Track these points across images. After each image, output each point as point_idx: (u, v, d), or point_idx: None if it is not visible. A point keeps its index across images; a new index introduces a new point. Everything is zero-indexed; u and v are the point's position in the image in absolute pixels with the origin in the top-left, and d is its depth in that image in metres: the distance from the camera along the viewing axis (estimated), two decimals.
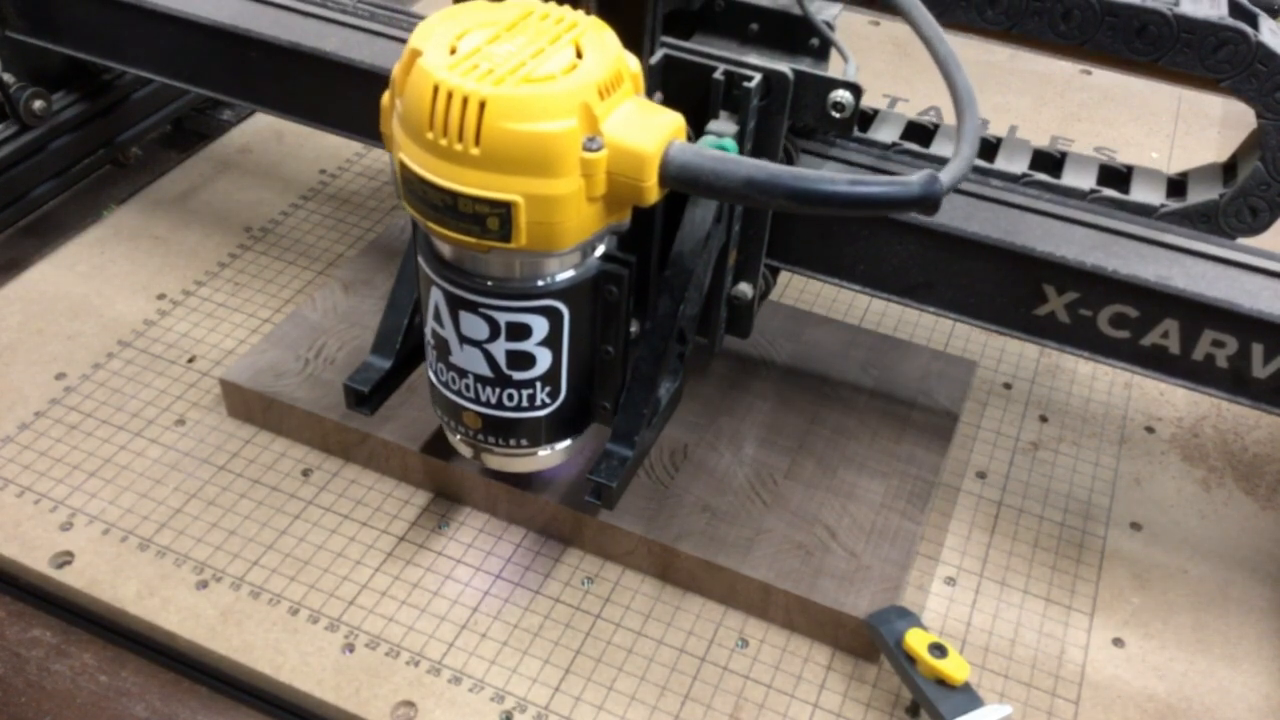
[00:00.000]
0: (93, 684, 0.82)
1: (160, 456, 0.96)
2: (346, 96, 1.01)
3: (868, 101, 1.00)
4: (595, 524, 0.88)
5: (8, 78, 1.15)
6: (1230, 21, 0.81)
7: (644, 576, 0.89)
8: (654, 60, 0.79)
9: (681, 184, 0.67)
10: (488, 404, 0.78)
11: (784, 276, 1.18)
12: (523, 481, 0.90)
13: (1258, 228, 0.88)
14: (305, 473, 0.95)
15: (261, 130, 1.36)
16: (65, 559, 0.87)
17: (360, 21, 1.02)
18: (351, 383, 0.86)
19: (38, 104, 1.17)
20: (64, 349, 1.05)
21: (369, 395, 0.86)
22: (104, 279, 1.13)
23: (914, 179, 0.64)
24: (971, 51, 1.59)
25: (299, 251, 1.18)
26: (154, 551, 0.88)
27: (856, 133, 0.95)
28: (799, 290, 1.17)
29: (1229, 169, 0.91)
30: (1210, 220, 0.88)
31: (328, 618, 0.84)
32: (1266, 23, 0.83)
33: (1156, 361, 0.85)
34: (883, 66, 1.55)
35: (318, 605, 0.85)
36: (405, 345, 0.87)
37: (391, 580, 0.87)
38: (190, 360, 1.05)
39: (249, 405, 0.98)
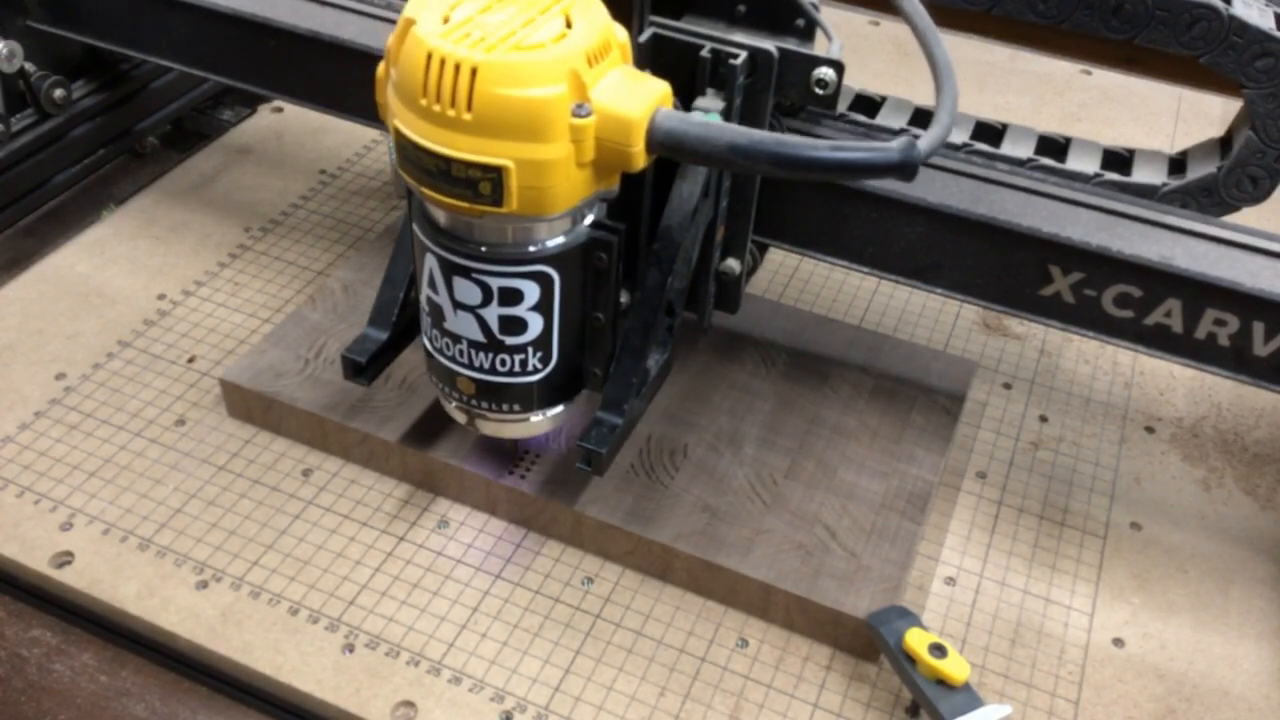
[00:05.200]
0: (93, 684, 0.82)
1: (160, 456, 0.96)
2: (364, 84, 1.01)
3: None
4: (595, 524, 0.88)
5: (29, 66, 1.15)
6: None
7: (644, 576, 0.89)
8: (642, 39, 0.80)
9: (668, 150, 0.69)
10: (481, 369, 0.79)
11: (784, 276, 1.18)
12: (523, 480, 0.90)
13: (1259, 196, 0.89)
14: (305, 473, 0.95)
15: (262, 130, 1.36)
16: (65, 559, 0.87)
17: (378, 10, 1.03)
18: (349, 354, 0.88)
19: (58, 93, 1.18)
20: (64, 349, 1.05)
21: (365, 366, 0.88)
22: (104, 279, 1.13)
23: (893, 145, 0.66)
24: (972, 51, 1.59)
25: (299, 251, 1.18)
26: (154, 551, 0.88)
27: (861, 117, 0.96)
28: (799, 289, 1.17)
29: (1225, 143, 0.92)
30: (1212, 194, 0.89)
31: (328, 618, 0.84)
32: None
33: (1159, 341, 0.86)
34: (882, 66, 1.55)
35: (318, 605, 0.85)
36: (401, 318, 0.89)
37: (391, 580, 0.87)
38: (190, 360, 1.05)
39: (249, 405, 0.98)
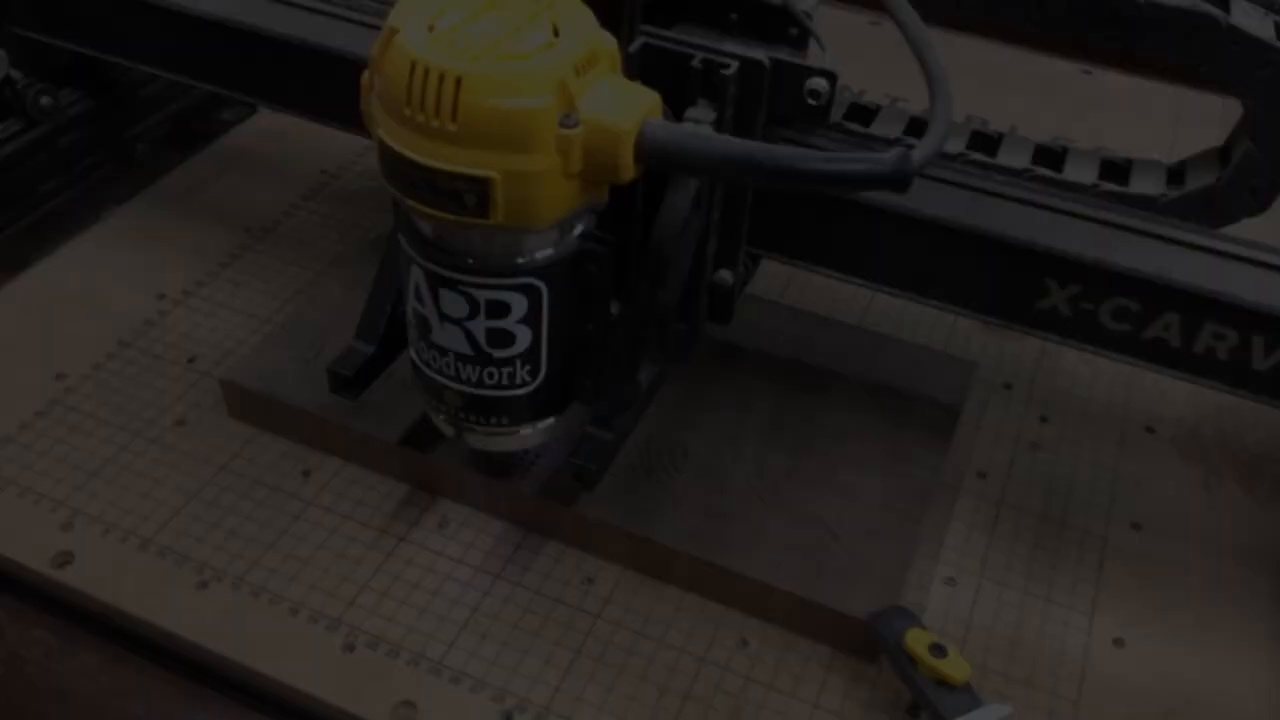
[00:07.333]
0: (93, 684, 0.82)
1: (160, 457, 0.96)
2: (353, 93, 1.01)
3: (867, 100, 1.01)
4: (595, 524, 0.88)
5: (15, 74, 1.15)
6: (1201, 7, 0.82)
7: (644, 577, 0.89)
8: (633, 49, 0.80)
9: (657, 161, 0.68)
10: (468, 382, 0.79)
11: (784, 277, 1.18)
12: (522, 481, 0.90)
13: (1258, 207, 0.89)
14: (305, 473, 0.95)
15: (262, 130, 1.36)
16: (65, 559, 0.87)
17: (367, 18, 1.02)
18: (335, 367, 0.87)
19: (45, 100, 1.17)
20: (64, 349, 1.05)
21: (353, 379, 0.87)
22: (104, 279, 1.13)
23: (886, 156, 0.65)
24: (971, 52, 1.59)
25: (299, 251, 1.18)
26: (154, 551, 0.88)
27: (856, 126, 0.95)
28: (799, 290, 1.17)
29: (1224, 153, 0.91)
30: (1211, 205, 0.89)
31: (328, 618, 0.84)
32: (1239, 4, 0.83)
33: (1157, 355, 0.85)
34: (882, 67, 1.55)
35: (318, 605, 0.85)
36: (389, 330, 0.89)
37: (391, 580, 0.87)
38: (190, 360, 1.05)
39: (249, 405, 0.98)
